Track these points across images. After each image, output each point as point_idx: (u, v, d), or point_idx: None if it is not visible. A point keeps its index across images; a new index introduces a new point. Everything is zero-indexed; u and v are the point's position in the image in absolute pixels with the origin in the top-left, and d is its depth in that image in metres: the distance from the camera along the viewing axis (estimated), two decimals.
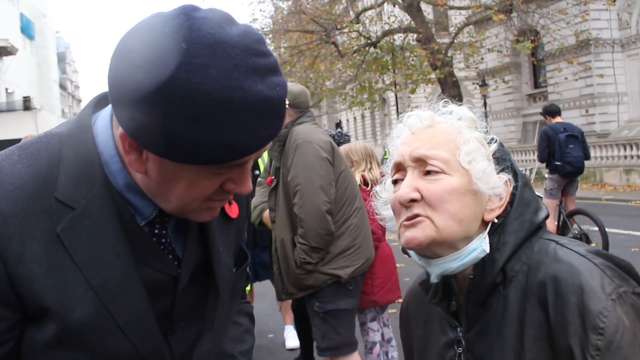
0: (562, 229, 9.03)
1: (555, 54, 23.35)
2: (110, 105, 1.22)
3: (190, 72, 1.00)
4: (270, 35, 26.26)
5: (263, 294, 6.66)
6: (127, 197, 1.22)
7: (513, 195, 1.33)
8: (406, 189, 1.28)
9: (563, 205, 9.18)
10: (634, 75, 26.44)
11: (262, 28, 26.51)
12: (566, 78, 23.56)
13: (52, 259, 1.14)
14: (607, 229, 8.45)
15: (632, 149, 21.12)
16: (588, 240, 8.61)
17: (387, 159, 1.42)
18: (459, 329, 1.37)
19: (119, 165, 1.21)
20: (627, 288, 1.19)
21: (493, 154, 1.35)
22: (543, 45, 26.44)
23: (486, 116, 30.75)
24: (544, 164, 9.33)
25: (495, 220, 1.31)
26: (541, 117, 9.62)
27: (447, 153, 1.29)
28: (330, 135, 4.82)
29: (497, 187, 1.30)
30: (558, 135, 8.83)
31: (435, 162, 1.28)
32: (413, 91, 23.88)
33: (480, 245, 1.29)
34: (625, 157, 21.34)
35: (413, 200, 1.28)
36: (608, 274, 1.20)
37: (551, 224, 8.88)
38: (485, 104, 30.91)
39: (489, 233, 1.31)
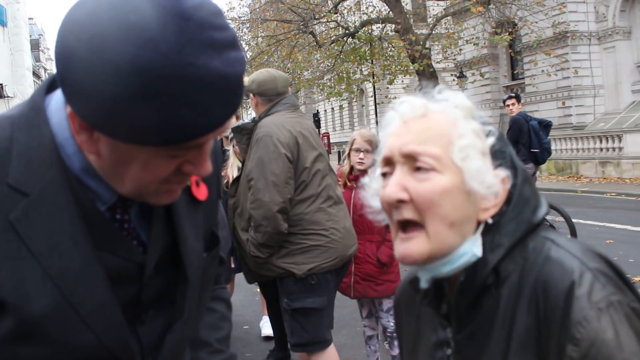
0: None
1: (533, 45, 23.48)
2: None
3: (140, 47, 0.93)
4: (248, 24, 26.10)
5: (238, 285, 6.59)
6: (84, 181, 1.16)
7: (511, 191, 1.23)
8: (393, 188, 1.18)
9: None
10: (610, 68, 26.69)
11: (240, 17, 26.34)
12: (543, 71, 23.70)
13: (5, 249, 1.08)
14: (582, 221, 8.53)
15: (607, 141, 21.38)
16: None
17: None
18: (448, 329, 1.30)
19: (74, 148, 1.15)
20: (622, 298, 1.09)
21: (490, 148, 1.23)
22: (521, 37, 26.58)
23: None
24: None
25: (490, 221, 1.21)
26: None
27: (439, 149, 1.18)
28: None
29: (492, 186, 1.20)
30: (530, 123, 8.83)
31: (426, 159, 1.17)
32: (391, 82, 23.88)
33: (472, 250, 1.20)
34: (601, 149, 21.59)
35: (401, 201, 1.18)
36: (601, 280, 1.10)
37: None
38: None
39: (482, 232, 1.22)
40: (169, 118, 0.97)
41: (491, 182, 1.19)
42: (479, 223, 1.22)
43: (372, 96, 33.55)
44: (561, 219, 8.41)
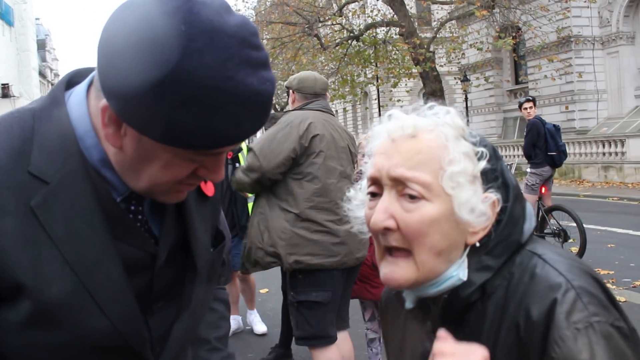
0: (541, 225, 9.09)
1: (537, 50, 23.49)
2: (85, 81, 1.22)
3: (186, 55, 0.99)
4: None
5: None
6: (102, 172, 1.20)
7: (501, 212, 1.20)
8: (381, 216, 1.16)
9: (542, 201, 9.23)
10: (613, 72, 26.69)
11: None
12: (546, 76, 23.70)
13: (26, 234, 1.12)
14: (585, 225, 8.54)
15: (610, 146, 21.36)
16: (566, 236, 8.71)
17: None
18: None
19: (94, 140, 1.19)
20: (604, 318, 1.06)
21: (482, 171, 1.19)
22: (524, 42, 26.59)
23: (467, 111, 30.91)
24: (527, 158, 9.32)
25: (477, 244, 1.19)
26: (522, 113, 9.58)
27: (429, 175, 1.14)
28: None
29: (483, 214, 1.16)
30: (546, 127, 8.86)
31: (415, 187, 1.14)
32: (395, 85, 23.91)
33: (457, 274, 1.18)
34: (604, 154, 21.56)
35: (388, 229, 1.16)
36: (583, 300, 1.07)
37: None
38: (466, 99, 31.04)
39: (468, 254, 1.20)
40: (203, 125, 1.03)
41: (481, 210, 1.16)
42: (466, 245, 1.20)
43: (375, 99, 33.60)
44: (574, 224, 8.44)
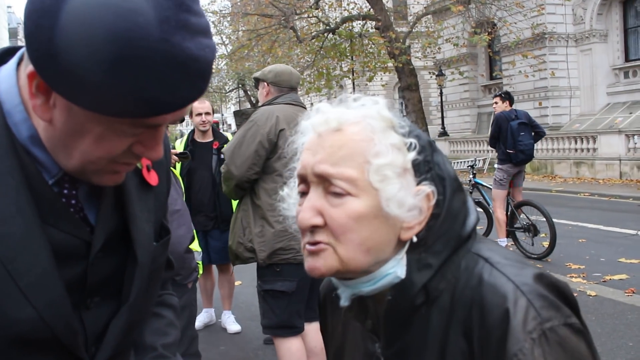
0: (511, 220, 9.16)
1: (511, 46, 23.67)
2: (16, 56, 1.16)
3: (119, 15, 0.93)
4: (229, 18, 26.00)
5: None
6: (31, 150, 1.13)
7: (438, 206, 1.15)
8: (307, 214, 1.11)
9: (511, 196, 9.27)
10: (586, 70, 27.01)
11: (221, 10, 26.23)
12: (520, 72, 23.91)
13: None
14: (556, 220, 8.63)
15: (582, 142, 21.63)
16: (536, 231, 8.78)
17: None
18: (377, 344, 1.23)
19: (22, 115, 1.12)
20: (556, 321, 1.04)
21: (413, 162, 1.14)
22: (500, 38, 26.78)
23: (442, 106, 31.09)
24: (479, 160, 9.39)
25: (415, 239, 1.14)
26: None
27: (354, 170, 1.09)
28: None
29: (414, 208, 1.11)
30: (510, 123, 8.89)
31: (340, 183, 1.09)
32: (370, 79, 23.93)
33: (394, 271, 1.13)
34: (576, 150, 21.84)
35: (316, 226, 1.11)
36: (535, 306, 1.05)
37: (501, 215, 9.01)
38: (441, 93, 31.21)
39: (407, 251, 1.14)
40: (135, 90, 0.97)
41: (412, 204, 1.11)
42: (403, 241, 1.14)
43: (351, 92, 33.59)
44: (543, 219, 8.50)
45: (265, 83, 4.12)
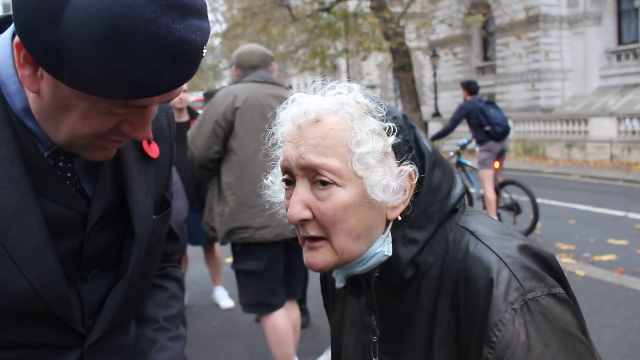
0: None
1: (506, 28, 23.62)
2: (12, 26, 1.11)
3: None
4: None
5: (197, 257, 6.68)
6: (25, 122, 1.12)
7: (421, 181, 1.18)
8: (296, 208, 1.14)
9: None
10: (579, 52, 27.01)
11: None
12: (514, 53, 23.88)
13: None
14: (546, 201, 8.72)
15: (574, 124, 21.68)
16: (519, 209, 8.90)
17: None
18: (373, 317, 1.28)
19: (17, 86, 1.10)
20: (539, 291, 1.07)
21: (393, 145, 1.17)
22: (494, 19, 26.71)
23: (436, 87, 31.05)
24: (472, 140, 9.40)
25: (399, 218, 1.18)
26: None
27: (338, 160, 1.12)
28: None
29: (398, 191, 1.15)
30: (477, 105, 8.96)
31: (326, 174, 1.12)
32: (365, 59, 23.83)
33: (382, 250, 1.17)
34: (568, 132, 21.89)
35: (305, 220, 1.15)
36: (518, 277, 1.07)
37: (491, 194, 9.06)
38: (435, 74, 31.17)
39: (392, 228, 1.19)
40: (116, 70, 0.93)
41: (397, 186, 1.15)
42: (389, 220, 1.19)
43: (345, 72, 33.48)
44: (527, 198, 8.61)
45: (234, 66, 4.18)
